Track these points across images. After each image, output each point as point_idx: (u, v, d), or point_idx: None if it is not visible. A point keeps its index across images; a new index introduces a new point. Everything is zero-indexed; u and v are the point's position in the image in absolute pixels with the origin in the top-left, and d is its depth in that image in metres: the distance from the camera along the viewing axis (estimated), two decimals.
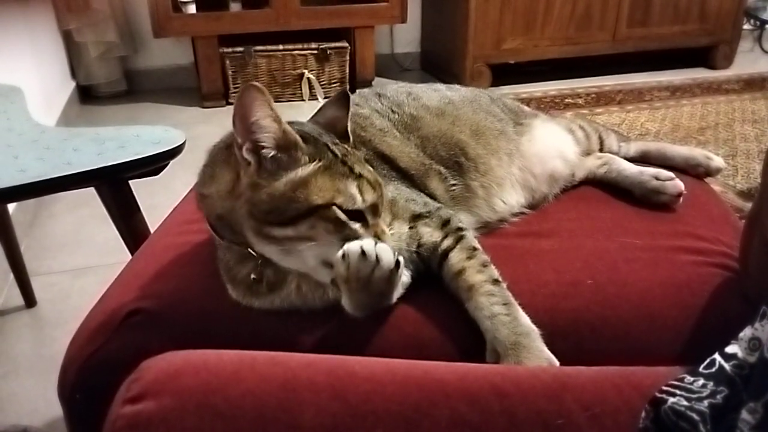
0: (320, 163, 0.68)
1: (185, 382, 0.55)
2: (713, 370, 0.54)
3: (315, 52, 3.07)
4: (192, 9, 2.92)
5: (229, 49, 2.95)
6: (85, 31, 2.97)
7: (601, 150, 1.11)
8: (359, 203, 0.68)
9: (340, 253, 0.64)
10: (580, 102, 3.10)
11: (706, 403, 0.50)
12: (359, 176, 0.69)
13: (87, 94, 3.15)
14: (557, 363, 0.66)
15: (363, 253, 0.64)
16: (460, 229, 0.80)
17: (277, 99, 3.05)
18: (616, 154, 1.11)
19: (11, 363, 1.42)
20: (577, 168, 1.04)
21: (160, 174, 1.16)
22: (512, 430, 0.52)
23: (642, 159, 1.12)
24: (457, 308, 0.73)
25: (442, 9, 3.40)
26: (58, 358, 0.75)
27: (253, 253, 0.72)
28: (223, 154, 0.73)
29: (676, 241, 0.86)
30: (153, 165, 1.12)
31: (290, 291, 0.73)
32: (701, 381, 0.53)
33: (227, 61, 2.97)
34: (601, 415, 0.53)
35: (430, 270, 0.78)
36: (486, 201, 0.93)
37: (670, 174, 0.97)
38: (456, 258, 0.76)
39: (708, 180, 1.13)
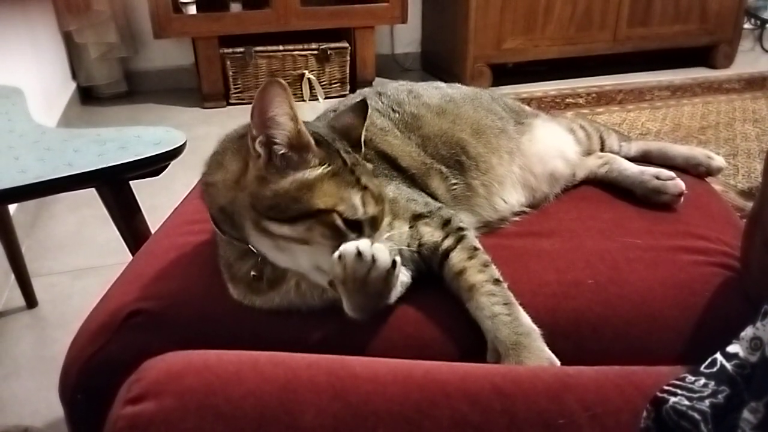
0: (329, 169, 0.68)
1: (186, 383, 0.55)
2: (714, 369, 0.54)
3: (315, 52, 3.07)
4: (192, 10, 2.92)
5: (230, 50, 2.95)
6: (85, 32, 2.97)
7: (602, 150, 1.11)
8: (360, 214, 0.68)
9: (337, 253, 0.65)
10: (581, 102, 3.10)
11: (707, 402, 0.50)
12: (364, 188, 0.70)
13: (88, 95, 3.15)
14: (558, 363, 0.66)
15: (359, 253, 0.64)
16: (461, 228, 0.80)
17: None
18: (617, 153, 1.11)
19: (12, 364, 1.42)
20: (578, 168, 1.04)
21: (161, 175, 1.16)
22: (513, 430, 0.52)
23: (643, 158, 1.12)
24: (457, 308, 0.73)
25: (442, 9, 3.40)
26: (59, 358, 0.75)
27: (253, 249, 0.72)
28: (235, 143, 0.74)
29: (678, 240, 0.86)
30: (154, 166, 1.12)
31: (290, 289, 0.73)
32: (702, 380, 0.53)
33: (228, 62, 2.97)
34: (602, 415, 0.53)
35: (431, 270, 0.78)
36: (487, 200, 0.93)
37: (671, 173, 0.97)
38: (457, 258, 0.76)
39: (709, 179, 1.12)
